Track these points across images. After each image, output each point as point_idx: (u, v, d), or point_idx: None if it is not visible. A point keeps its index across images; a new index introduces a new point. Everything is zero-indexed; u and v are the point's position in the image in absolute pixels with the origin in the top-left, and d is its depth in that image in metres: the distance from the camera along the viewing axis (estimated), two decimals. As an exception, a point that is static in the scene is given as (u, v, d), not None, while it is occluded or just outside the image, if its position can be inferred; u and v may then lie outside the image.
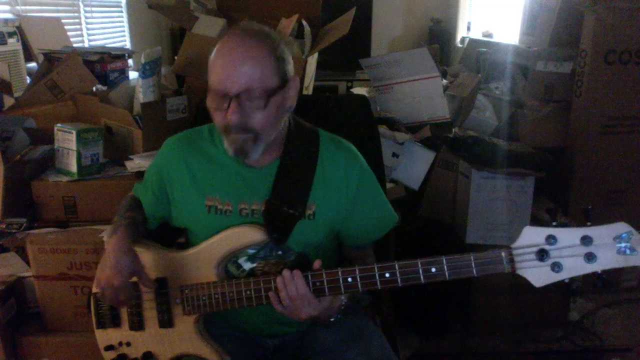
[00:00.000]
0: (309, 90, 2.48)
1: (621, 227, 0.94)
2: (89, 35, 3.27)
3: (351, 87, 4.31)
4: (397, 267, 1.03)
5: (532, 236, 0.98)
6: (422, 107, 2.63)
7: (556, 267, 0.96)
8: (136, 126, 1.82)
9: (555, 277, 0.96)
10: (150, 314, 1.23)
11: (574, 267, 0.95)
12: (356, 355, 1.16)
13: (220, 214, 1.18)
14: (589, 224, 0.95)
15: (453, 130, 2.70)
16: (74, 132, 1.71)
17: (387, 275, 1.03)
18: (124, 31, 3.81)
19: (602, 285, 0.95)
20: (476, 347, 2.26)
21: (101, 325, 1.28)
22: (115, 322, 1.26)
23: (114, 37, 3.65)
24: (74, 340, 1.65)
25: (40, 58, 2.24)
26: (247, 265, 1.20)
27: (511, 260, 0.98)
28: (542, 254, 0.96)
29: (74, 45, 2.69)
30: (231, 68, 1.05)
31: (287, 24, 2.25)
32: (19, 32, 2.31)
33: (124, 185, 1.70)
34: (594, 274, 0.95)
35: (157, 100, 1.88)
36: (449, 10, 4.90)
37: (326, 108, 1.62)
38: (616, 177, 2.60)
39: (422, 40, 4.74)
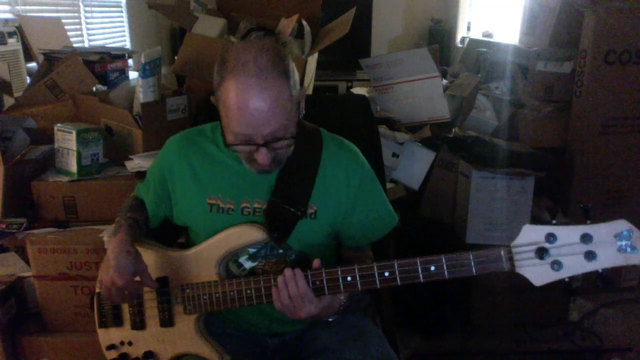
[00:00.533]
0: (308, 90, 2.48)
1: (622, 225, 0.92)
2: (89, 35, 3.27)
3: (351, 87, 4.31)
4: (396, 266, 1.03)
5: (531, 234, 0.97)
6: (422, 107, 2.63)
7: (556, 265, 0.94)
8: (136, 126, 1.82)
9: (555, 276, 0.95)
10: (151, 313, 1.23)
11: (574, 265, 0.94)
12: (356, 355, 1.16)
13: (222, 212, 1.18)
14: (588, 222, 0.94)
15: (453, 130, 2.70)
16: (74, 132, 1.71)
17: (386, 274, 1.03)
18: (124, 31, 3.81)
19: (603, 284, 0.94)
20: (476, 347, 2.26)
21: (103, 324, 1.28)
22: (117, 322, 1.27)
23: (114, 37, 3.65)
24: (74, 340, 1.65)
25: (40, 58, 2.24)
26: (248, 264, 1.20)
27: (510, 259, 0.97)
28: (541, 252, 0.95)
29: (74, 45, 2.69)
30: (255, 119, 1.01)
31: (287, 24, 2.25)
32: (19, 32, 2.31)
33: (124, 185, 1.71)
34: (595, 272, 0.94)
35: (157, 100, 1.88)
36: (449, 10, 4.90)
37: (326, 108, 1.62)
38: (616, 177, 2.60)
39: (422, 40, 4.74)
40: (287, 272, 1.07)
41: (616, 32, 2.42)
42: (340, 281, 1.06)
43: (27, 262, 1.66)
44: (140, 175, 1.69)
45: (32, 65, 2.38)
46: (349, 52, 3.99)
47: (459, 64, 3.77)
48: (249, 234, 1.14)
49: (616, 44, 2.44)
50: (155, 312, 1.22)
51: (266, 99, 1.00)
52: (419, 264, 1.01)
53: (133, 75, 2.34)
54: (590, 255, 0.93)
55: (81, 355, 1.65)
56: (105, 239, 1.58)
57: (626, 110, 2.53)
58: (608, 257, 0.93)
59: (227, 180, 1.19)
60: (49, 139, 1.81)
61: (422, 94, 2.61)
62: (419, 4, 5.01)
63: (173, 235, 1.41)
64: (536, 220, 2.30)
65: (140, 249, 1.24)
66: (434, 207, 2.51)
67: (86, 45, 3.18)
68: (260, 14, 2.36)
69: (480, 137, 2.48)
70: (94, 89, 2.10)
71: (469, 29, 4.64)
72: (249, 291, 1.13)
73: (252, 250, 1.19)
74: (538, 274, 0.96)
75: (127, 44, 3.80)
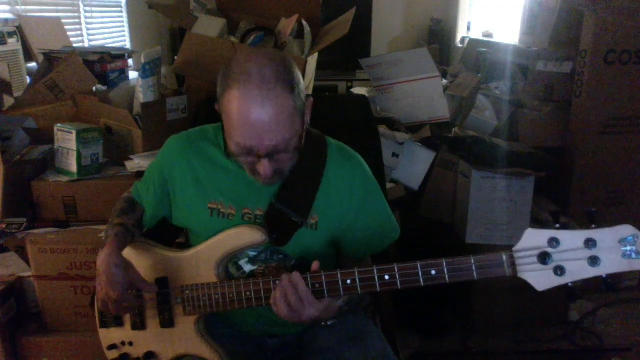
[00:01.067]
0: (309, 90, 2.48)
1: (626, 230, 0.91)
2: (89, 35, 3.27)
3: (351, 87, 4.31)
4: (396, 270, 1.01)
5: (534, 239, 0.95)
6: (422, 107, 2.63)
7: (559, 270, 0.93)
8: (136, 126, 1.82)
9: (558, 281, 0.94)
10: (151, 313, 1.23)
11: (578, 271, 0.93)
12: (356, 356, 1.16)
13: (223, 217, 1.17)
14: (593, 226, 0.93)
15: (453, 130, 2.70)
16: (74, 132, 1.71)
17: (386, 277, 1.02)
18: (124, 31, 3.81)
19: (607, 289, 0.93)
20: (476, 347, 2.26)
21: (104, 324, 1.28)
22: (118, 322, 1.27)
23: (114, 37, 3.65)
24: (74, 340, 1.65)
25: (40, 58, 2.24)
26: (248, 268, 1.20)
27: (512, 264, 0.96)
28: (544, 257, 0.94)
29: (74, 45, 2.69)
30: (258, 131, 1.00)
31: (287, 24, 2.25)
32: (19, 32, 2.31)
33: (124, 185, 1.70)
34: (599, 277, 0.93)
35: (157, 100, 1.88)
36: (449, 10, 4.90)
37: (326, 108, 1.62)
38: (616, 177, 2.60)
39: (422, 40, 4.74)
40: (284, 282, 1.04)
41: (616, 32, 2.42)
42: (340, 284, 1.05)
43: (27, 262, 1.66)
44: (140, 175, 1.69)
45: (32, 65, 2.38)
46: (349, 52, 3.99)
47: (459, 64, 3.77)
48: (248, 235, 1.14)
49: (616, 44, 2.44)
50: (155, 312, 1.22)
51: (269, 111, 0.98)
52: (419, 267, 1.00)
53: (133, 75, 2.34)
54: (594, 261, 0.92)
55: (81, 355, 1.65)
56: (104, 239, 1.58)
57: (626, 110, 2.53)
58: (612, 263, 0.91)
59: (229, 185, 1.18)
60: (49, 139, 1.81)
61: (422, 94, 2.61)
62: (419, 4, 5.01)
63: (172, 235, 1.41)
64: (536, 220, 2.31)
65: (138, 250, 1.24)
66: (434, 207, 2.51)
67: (86, 45, 3.18)
68: (260, 14, 2.36)
69: (480, 137, 2.47)
70: (94, 89, 2.10)
71: (469, 29, 4.64)
72: (248, 293, 1.12)
73: (252, 253, 1.19)
74: (541, 279, 0.95)
75: (127, 44, 3.80)
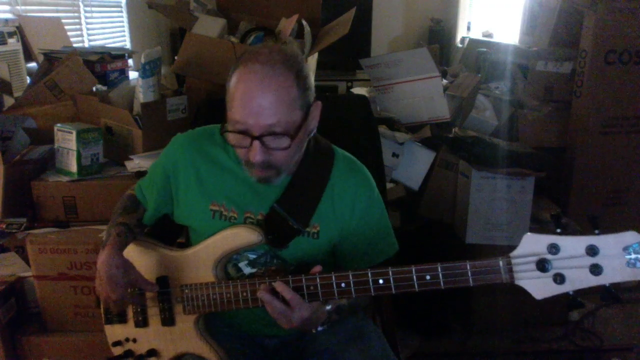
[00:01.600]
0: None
1: (631, 237, 0.85)
2: (89, 35, 3.27)
3: (351, 87, 4.31)
4: (390, 274, 1.00)
5: (533, 244, 0.91)
6: (422, 107, 2.63)
7: (558, 278, 0.89)
8: (136, 126, 1.82)
9: (558, 290, 0.89)
10: (153, 311, 1.24)
11: (578, 279, 0.88)
12: (356, 356, 1.16)
13: (225, 219, 1.17)
14: (597, 232, 0.88)
15: (453, 130, 2.70)
16: (74, 132, 1.71)
17: (380, 281, 1.01)
18: (124, 31, 3.81)
19: (609, 299, 0.89)
20: (476, 347, 2.26)
21: (109, 321, 1.30)
22: (122, 319, 1.28)
23: (114, 37, 3.65)
24: (74, 340, 1.65)
25: (40, 58, 2.24)
26: (247, 270, 1.20)
27: (510, 270, 0.92)
28: (543, 264, 0.89)
29: (74, 45, 2.69)
30: (255, 106, 0.99)
31: (287, 24, 2.25)
32: (19, 32, 2.31)
33: (124, 185, 1.70)
34: (602, 286, 0.88)
35: (157, 100, 1.88)
36: (449, 10, 4.90)
37: (326, 108, 1.61)
38: (616, 177, 2.60)
39: (422, 40, 4.73)
40: (261, 295, 1.04)
41: (616, 32, 2.42)
42: (335, 287, 1.04)
43: (27, 262, 1.66)
44: (140, 175, 1.69)
45: (32, 65, 2.39)
46: (349, 52, 4.00)
47: (459, 64, 3.77)
48: (244, 236, 1.14)
49: (616, 44, 2.44)
50: (156, 310, 1.23)
51: (268, 87, 0.99)
52: (414, 272, 0.98)
53: (133, 75, 2.34)
54: (596, 269, 0.87)
55: (81, 355, 1.65)
56: (104, 239, 1.58)
57: (626, 110, 2.53)
58: (615, 272, 0.86)
59: (233, 188, 1.17)
60: (49, 139, 1.81)
61: (422, 94, 2.61)
62: (419, 4, 5.01)
63: (174, 234, 1.41)
64: (536, 220, 2.30)
65: (140, 249, 1.24)
66: (434, 207, 2.51)
67: (86, 45, 3.18)
68: (260, 14, 2.36)
69: (480, 137, 2.47)
70: (94, 89, 2.10)
71: (469, 29, 4.64)
72: (245, 294, 1.12)
73: (252, 256, 1.19)
74: (539, 287, 0.90)
75: (127, 44, 3.80)
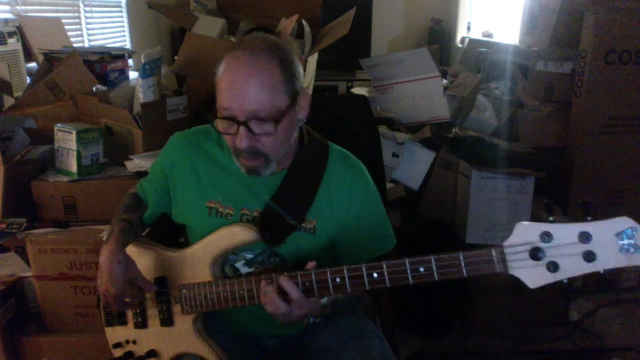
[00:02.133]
0: (308, 90, 2.47)
1: (624, 223, 0.84)
2: (89, 35, 3.27)
3: (351, 87, 4.31)
4: (384, 267, 1.00)
5: (525, 233, 0.90)
6: (422, 107, 2.63)
7: (552, 266, 0.88)
8: (136, 126, 1.82)
9: (551, 278, 0.88)
10: (152, 312, 1.24)
11: (572, 266, 0.87)
12: (356, 356, 1.16)
13: (221, 217, 1.18)
14: (588, 218, 0.86)
15: (453, 130, 2.70)
16: (74, 132, 1.71)
17: (374, 275, 1.01)
18: (124, 31, 3.80)
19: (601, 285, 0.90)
20: (476, 347, 2.26)
21: (109, 322, 1.30)
22: (122, 320, 1.28)
23: (114, 37, 3.65)
24: (74, 340, 1.65)
25: (40, 58, 2.24)
26: (244, 270, 1.20)
27: (503, 260, 0.91)
28: (536, 253, 0.88)
29: (74, 45, 2.69)
30: (239, 90, 1.02)
31: (287, 24, 2.25)
32: (19, 32, 2.31)
33: (124, 185, 1.70)
34: (596, 273, 0.87)
35: (157, 100, 1.88)
36: (449, 10, 4.90)
37: (326, 108, 1.62)
38: (616, 177, 2.60)
39: (422, 40, 4.74)
40: (265, 289, 1.04)
41: (616, 32, 2.42)
42: (330, 282, 1.03)
43: (27, 262, 1.66)
44: (140, 175, 1.69)
45: (32, 65, 2.38)
46: (349, 52, 3.99)
47: (459, 64, 3.77)
48: (240, 234, 1.13)
49: (616, 44, 2.44)
50: (155, 311, 1.23)
51: (252, 72, 1.01)
52: (407, 264, 0.98)
53: (133, 75, 2.34)
54: (589, 256, 0.86)
55: (81, 355, 1.65)
56: (104, 239, 1.58)
57: (626, 110, 2.53)
58: (609, 258, 0.85)
59: (228, 185, 1.18)
60: (49, 139, 1.81)
61: (422, 94, 2.61)
62: (419, 4, 5.01)
63: (173, 234, 1.41)
64: (536, 220, 2.30)
65: (138, 249, 1.24)
66: (434, 207, 2.51)
67: (86, 45, 3.18)
68: (260, 14, 2.37)
69: (480, 137, 2.48)
70: (94, 89, 2.10)
71: (469, 29, 4.64)
72: (242, 292, 1.12)
73: (249, 256, 1.19)
74: (533, 275, 0.89)
75: (127, 44, 3.80)
